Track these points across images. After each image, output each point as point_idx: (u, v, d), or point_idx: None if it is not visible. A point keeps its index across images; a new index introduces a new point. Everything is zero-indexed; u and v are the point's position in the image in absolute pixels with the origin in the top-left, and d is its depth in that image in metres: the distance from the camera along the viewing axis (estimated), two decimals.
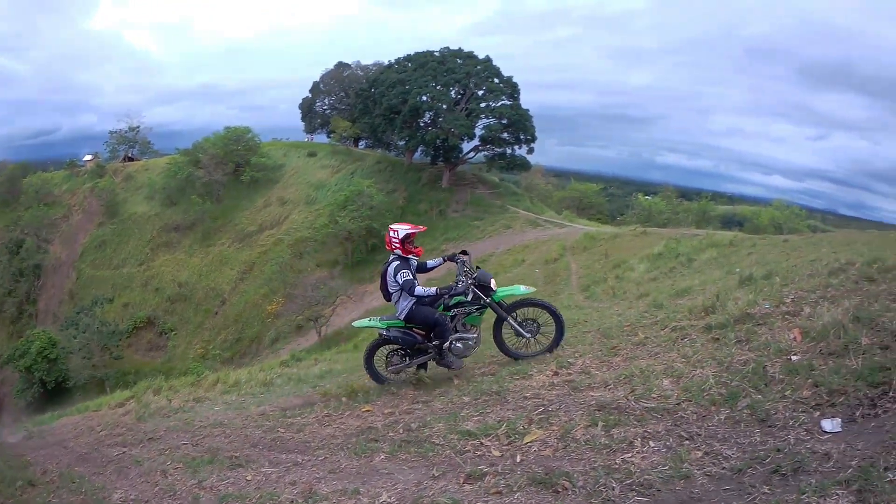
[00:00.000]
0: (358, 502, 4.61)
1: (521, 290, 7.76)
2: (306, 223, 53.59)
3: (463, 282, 7.45)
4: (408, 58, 53.60)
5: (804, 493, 3.37)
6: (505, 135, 49.35)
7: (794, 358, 5.01)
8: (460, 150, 51.70)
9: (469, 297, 7.46)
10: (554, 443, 4.77)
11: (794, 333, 5.47)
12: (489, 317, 7.71)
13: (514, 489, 4.19)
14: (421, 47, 54.85)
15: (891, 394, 4.12)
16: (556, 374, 6.47)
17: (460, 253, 7.90)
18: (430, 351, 7.61)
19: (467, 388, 6.78)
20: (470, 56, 51.20)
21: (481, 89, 50.05)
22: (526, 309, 7.67)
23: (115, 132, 75.48)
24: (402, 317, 7.59)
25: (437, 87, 50.24)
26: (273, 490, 5.20)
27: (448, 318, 7.47)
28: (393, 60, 55.78)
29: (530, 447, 4.81)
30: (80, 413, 13.52)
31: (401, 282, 7.33)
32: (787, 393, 4.54)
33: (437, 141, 50.34)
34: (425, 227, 8.27)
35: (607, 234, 30.80)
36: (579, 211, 54.75)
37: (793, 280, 7.72)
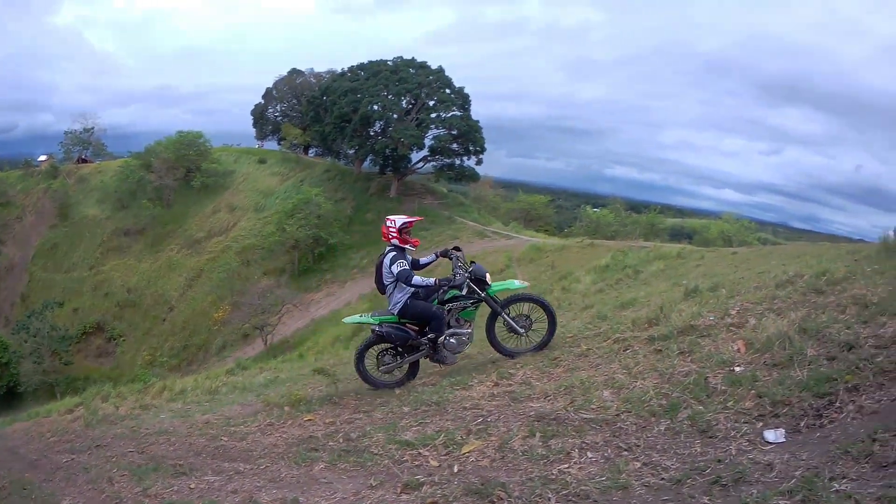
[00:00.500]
0: None
1: (516, 284, 7.80)
2: (254, 230, 53.63)
3: (460, 274, 7.37)
4: (361, 66, 53.60)
5: None
6: (454, 146, 49.78)
7: (737, 369, 5.02)
8: (409, 160, 51.95)
9: (464, 291, 7.40)
10: (492, 453, 4.77)
11: (738, 345, 5.49)
12: (482, 313, 7.70)
13: (451, 499, 4.18)
14: (377, 55, 55.30)
15: (837, 404, 4.13)
16: (496, 384, 6.45)
17: (453, 249, 7.80)
18: (422, 348, 7.46)
19: (408, 399, 6.76)
20: (423, 66, 51.38)
21: (433, 99, 50.31)
22: (518, 304, 7.61)
23: (71, 133, 74.76)
24: (396, 311, 7.44)
25: (389, 97, 50.24)
26: (215, 499, 5.22)
27: (445, 312, 7.38)
28: (346, 69, 55.79)
29: (468, 457, 4.81)
30: (32, 419, 13.38)
31: (396, 272, 7.22)
32: (729, 404, 4.54)
33: (387, 150, 50.32)
34: (422, 217, 8.14)
35: (554, 246, 31.29)
36: (527, 223, 54.89)
37: (739, 292, 7.83)
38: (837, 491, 3.23)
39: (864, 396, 4.12)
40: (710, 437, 4.22)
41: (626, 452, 4.29)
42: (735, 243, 36.03)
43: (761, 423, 4.21)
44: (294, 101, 71.41)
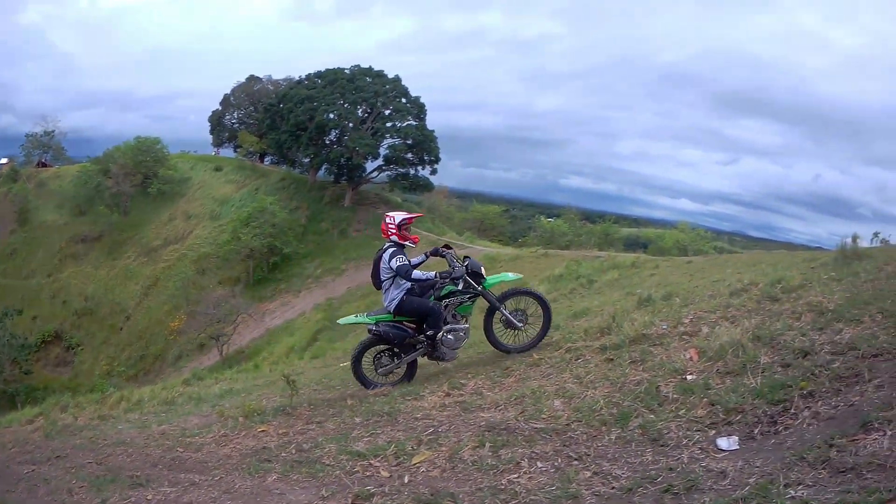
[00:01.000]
0: None
1: (510, 276, 7.80)
2: (210, 239, 53.18)
3: (458, 266, 7.35)
4: (318, 74, 53.39)
5: None
6: (409, 155, 50.01)
7: (689, 377, 5.01)
8: (364, 170, 51.94)
9: (460, 286, 7.38)
10: (442, 463, 4.76)
11: (691, 353, 5.49)
12: (478, 309, 7.72)
13: None
14: (336, 63, 55.29)
15: (792, 411, 4.10)
16: (447, 394, 6.46)
17: (443, 247, 7.74)
18: (419, 346, 7.42)
19: (360, 409, 6.73)
20: (379, 75, 51.47)
21: (388, 109, 50.46)
22: (514, 298, 7.62)
23: (32, 135, 73.70)
24: (392, 308, 7.36)
25: (345, 105, 50.19)
26: None
27: (442, 307, 7.32)
28: (303, 76, 55.69)
29: (419, 468, 4.80)
30: None
31: (396, 266, 7.15)
32: (681, 412, 4.51)
33: (342, 159, 50.18)
34: (422, 213, 8.04)
35: (507, 256, 31.41)
36: (480, 232, 54.89)
37: (693, 301, 7.94)
38: (793, 497, 3.18)
39: (820, 402, 4.09)
40: (662, 446, 4.18)
41: (576, 462, 4.26)
42: (690, 252, 36.40)
43: (714, 431, 4.17)
44: (251, 108, 70.67)
